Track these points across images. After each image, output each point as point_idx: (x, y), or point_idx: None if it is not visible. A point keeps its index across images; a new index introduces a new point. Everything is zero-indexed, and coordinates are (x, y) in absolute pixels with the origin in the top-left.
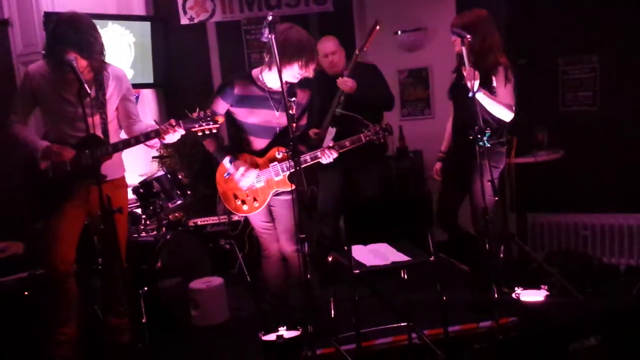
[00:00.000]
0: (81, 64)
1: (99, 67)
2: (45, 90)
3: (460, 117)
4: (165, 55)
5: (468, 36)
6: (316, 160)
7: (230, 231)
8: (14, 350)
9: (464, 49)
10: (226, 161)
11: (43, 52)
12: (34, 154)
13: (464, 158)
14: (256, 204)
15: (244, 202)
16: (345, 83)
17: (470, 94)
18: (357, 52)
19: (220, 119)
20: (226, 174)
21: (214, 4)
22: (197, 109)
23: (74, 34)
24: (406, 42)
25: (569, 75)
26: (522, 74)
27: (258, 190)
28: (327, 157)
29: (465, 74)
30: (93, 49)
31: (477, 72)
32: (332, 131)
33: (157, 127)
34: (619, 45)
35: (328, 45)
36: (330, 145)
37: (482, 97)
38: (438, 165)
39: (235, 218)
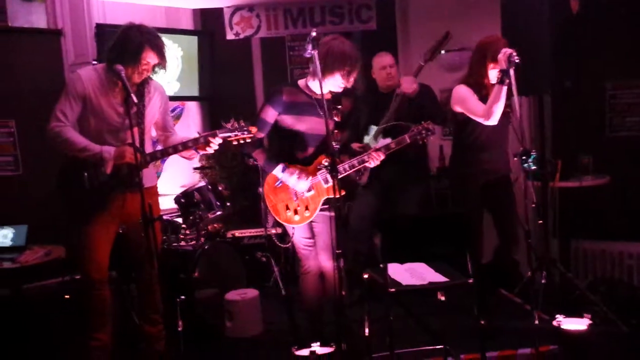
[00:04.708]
0: (129, 74)
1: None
2: (97, 98)
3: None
4: (211, 69)
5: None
6: (363, 165)
7: (281, 243)
8: (52, 353)
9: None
10: (278, 170)
11: (94, 61)
12: (99, 157)
13: (494, 181)
14: (307, 214)
15: (295, 212)
16: (411, 84)
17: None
18: (422, 63)
19: (254, 129)
20: (278, 182)
21: (260, 20)
22: (232, 119)
23: (149, 36)
24: (450, 62)
25: (617, 100)
26: (568, 97)
27: (308, 199)
28: (375, 160)
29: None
30: (165, 50)
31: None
32: (384, 142)
33: (195, 137)
34: None
35: (387, 59)
36: (377, 148)
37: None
38: None
39: (273, 232)
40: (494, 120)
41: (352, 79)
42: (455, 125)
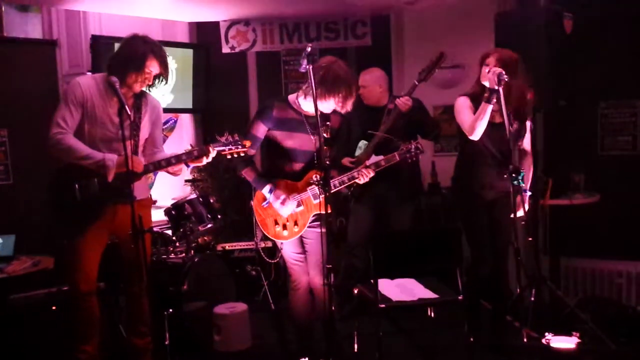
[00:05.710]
0: (131, 82)
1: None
2: (95, 106)
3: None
4: (205, 82)
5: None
6: (353, 181)
7: (269, 258)
8: None
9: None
10: (266, 190)
11: (88, 72)
12: (102, 164)
13: (496, 197)
14: (296, 229)
15: (284, 228)
16: (406, 103)
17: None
18: (416, 82)
19: (248, 144)
20: (265, 202)
21: (255, 35)
22: (226, 133)
23: (153, 45)
24: (443, 79)
25: (609, 119)
26: (560, 115)
27: (298, 214)
28: (364, 177)
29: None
30: (167, 61)
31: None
32: (375, 159)
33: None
34: None
35: (362, 79)
36: (367, 165)
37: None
38: None
39: (263, 245)
40: (476, 136)
41: (347, 105)
42: (461, 138)
